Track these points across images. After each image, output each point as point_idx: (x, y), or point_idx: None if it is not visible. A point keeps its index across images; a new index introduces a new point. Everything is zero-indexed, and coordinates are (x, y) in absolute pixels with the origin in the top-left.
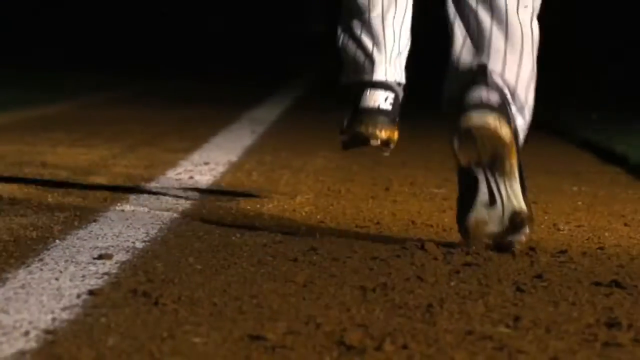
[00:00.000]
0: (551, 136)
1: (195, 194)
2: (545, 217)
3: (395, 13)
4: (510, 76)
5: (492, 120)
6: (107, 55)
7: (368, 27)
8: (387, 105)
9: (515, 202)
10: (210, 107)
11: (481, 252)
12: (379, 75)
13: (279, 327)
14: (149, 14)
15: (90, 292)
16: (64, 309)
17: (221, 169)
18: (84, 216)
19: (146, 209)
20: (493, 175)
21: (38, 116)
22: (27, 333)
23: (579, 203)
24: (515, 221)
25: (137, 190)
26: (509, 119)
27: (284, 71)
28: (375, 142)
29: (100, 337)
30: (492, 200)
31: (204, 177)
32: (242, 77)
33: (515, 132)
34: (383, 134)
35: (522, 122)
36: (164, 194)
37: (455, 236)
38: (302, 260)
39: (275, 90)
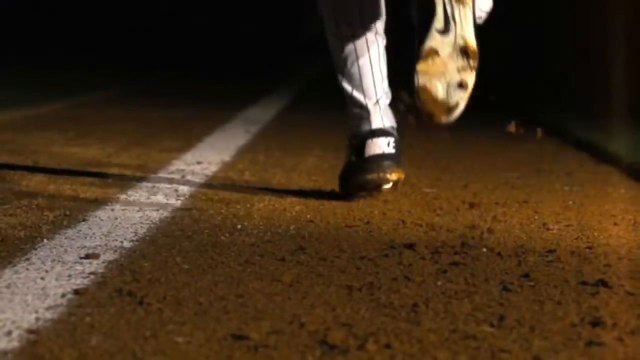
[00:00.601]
0: (545, 135)
1: (186, 194)
2: (536, 217)
3: (378, 61)
4: None
5: None
6: (106, 55)
7: (356, 83)
8: (390, 149)
9: (467, 33)
10: (206, 107)
11: (469, 251)
12: (377, 123)
13: (262, 326)
14: (149, 13)
15: (76, 292)
16: (48, 308)
17: (214, 168)
18: (74, 216)
19: (136, 209)
20: (450, 1)
21: (34, 115)
22: (9, 333)
23: (570, 202)
24: (465, 52)
25: (128, 189)
26: None
27: (283, 71)
28: (387, 186)
29: (83, 337)
30: (446, 27)
31: (196, 177)
32: (240, 76)
33: None
34: (394, 176)
35: None
36: (155, 194)
37: (444, 235)
38: (289, 260)
39: (273, 90)
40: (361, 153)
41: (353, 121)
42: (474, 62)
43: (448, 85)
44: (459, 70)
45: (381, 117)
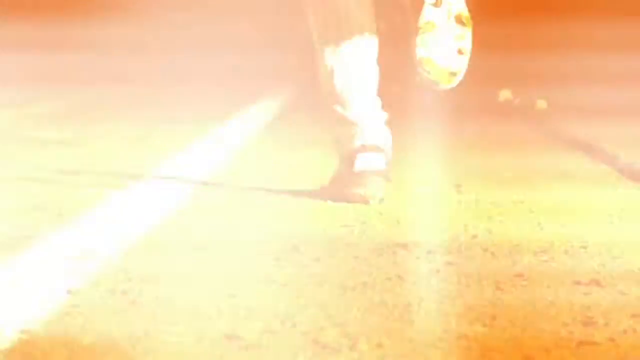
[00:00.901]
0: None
1: (183, 193)
2: (531, 216)
3: (367, 80)
4: None
5: None
6: (106, 55)
7: (347, 104)
8: (380, 166)
9: (458, 3)
10: (204, 106)
11: (463, 251)
12: (368, 139)
13: (255, 326)
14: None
15: (69, 292)
16: (41, 307)
17: (211, 168)
18: (69, 215)
19: (132, 208)
20: None
21: (31, 115)
22: (1, 332)
23: (566, 202)
24: (460, 21)
25: (125, 189)
26: None
27: (284, 70)
28: (374, 202)
29: (75, 337)
30: (438, 0)
31: (193, 176)
32: (239, 77)
33: None
34: (381, 193)
35: None
36: (151, 193)
37: (439, 235)
38: (284, 260)
39: (273, 89)
40: (351, 166)
41: (345, 136)
42: (469, 29)
43: (448, 53)
44: (456, 38)
45: (373, 132)
